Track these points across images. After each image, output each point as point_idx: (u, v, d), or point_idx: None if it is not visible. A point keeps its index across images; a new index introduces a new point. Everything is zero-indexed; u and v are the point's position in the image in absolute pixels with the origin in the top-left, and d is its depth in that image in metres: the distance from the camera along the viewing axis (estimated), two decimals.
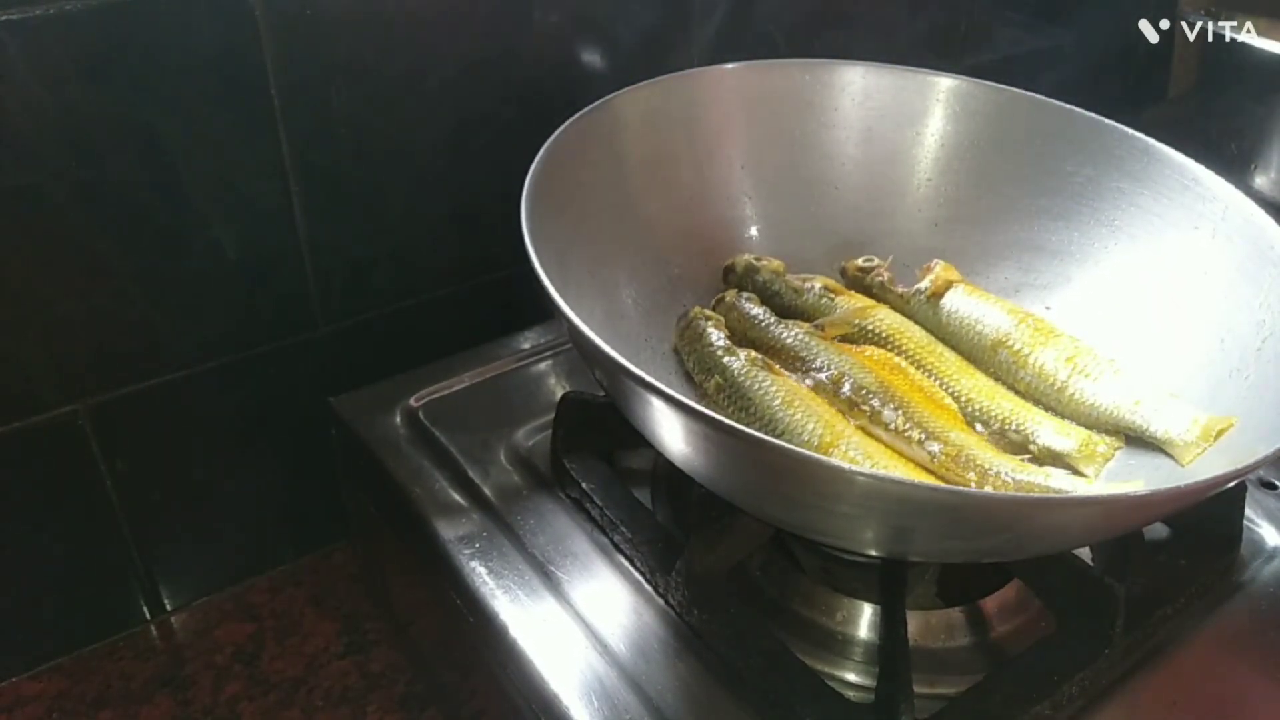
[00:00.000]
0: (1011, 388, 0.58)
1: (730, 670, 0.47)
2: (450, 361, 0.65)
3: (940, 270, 0.62)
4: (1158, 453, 0.53)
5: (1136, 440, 0.54)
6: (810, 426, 0.51)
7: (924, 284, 0.62)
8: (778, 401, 0.52)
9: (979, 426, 0.55)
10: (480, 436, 0.60)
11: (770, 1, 0.75)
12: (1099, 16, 0.99)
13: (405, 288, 0.68)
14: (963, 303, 0.60)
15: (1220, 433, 0.50)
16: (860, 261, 0.65)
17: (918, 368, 0.57)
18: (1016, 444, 0.54)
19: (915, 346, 0.58)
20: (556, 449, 0.57)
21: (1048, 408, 0.56)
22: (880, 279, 0.63)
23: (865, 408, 0.53)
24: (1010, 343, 0.58)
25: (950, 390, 0.56)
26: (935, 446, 0.51)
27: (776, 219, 0.66)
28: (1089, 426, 0.55)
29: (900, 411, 0.52)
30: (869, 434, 0.53)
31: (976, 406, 0.56)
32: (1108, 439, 0.54)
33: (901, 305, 0.62)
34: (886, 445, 0.52)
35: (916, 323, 0.61)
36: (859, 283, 0.64)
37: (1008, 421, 0.54)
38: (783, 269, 0.64)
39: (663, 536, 0.52)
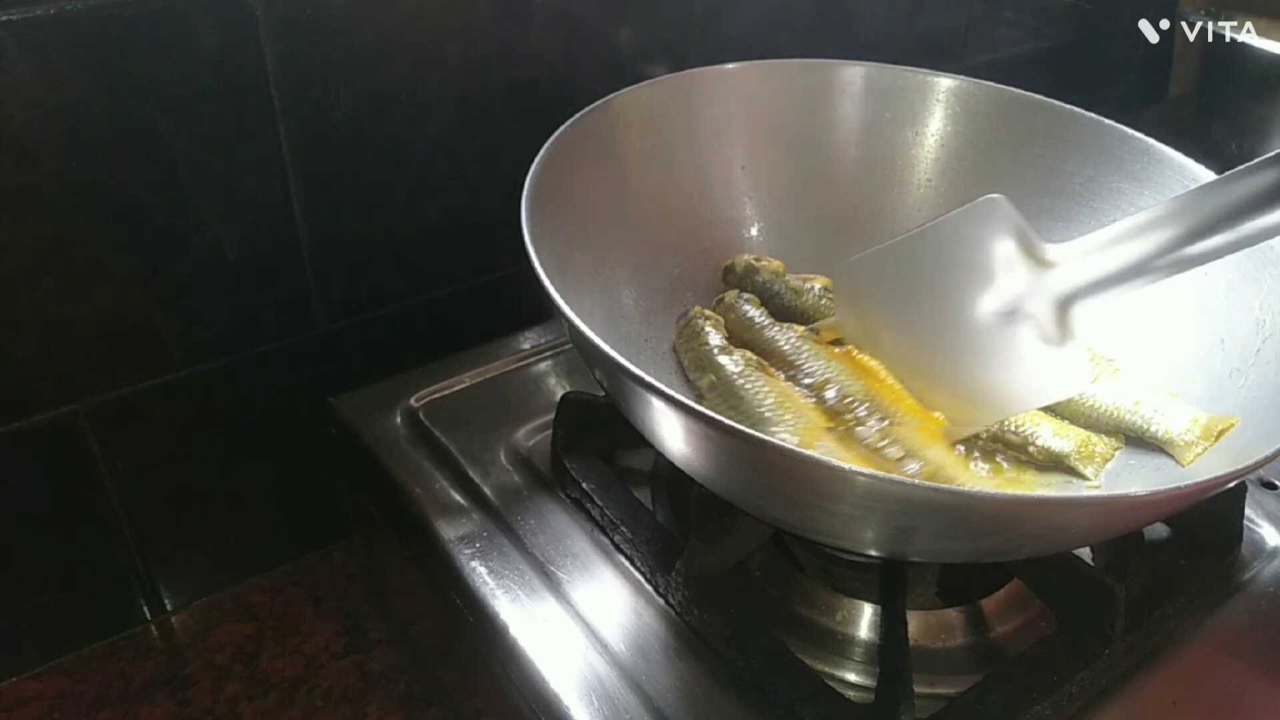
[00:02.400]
0: None
1: (730, 670, 0.47)
2: (450, 361, 0.65)
3: None
4: (1158, 453, 0.53)
5: (1136, 440, 0.54)
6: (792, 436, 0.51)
7: None
8: (770, 401, 0.52)
9: None
10: (480, 436, 0.60)
11: (770, 2, 0.76)
12: (1098, 16, 0.99)
13: (405, 288, 0.68)
14: None
15: (1221, 432, 0.50)
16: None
17: None
18: (1016, 445, 0.54)
19: None
20: (556, 449, 0.57)
21: (1046, 408, 0.56)
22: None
23: (849, 416, 0.53)
24: None
25: None
26: (913, 465, 0.50)
27: (776, 219, 0.66)
28: (1088, 427, 0.55)
29: (883, 423, 0.52)
30: (849, 445, 0.52)
31: None
32: (1106, 439, 0.54)
33: None
34: (865, 458, 0.51)
35: None
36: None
37: (1006, 422, 0.54)
38: (783, 269, 0.64)
39: (663, 536, 0.52)
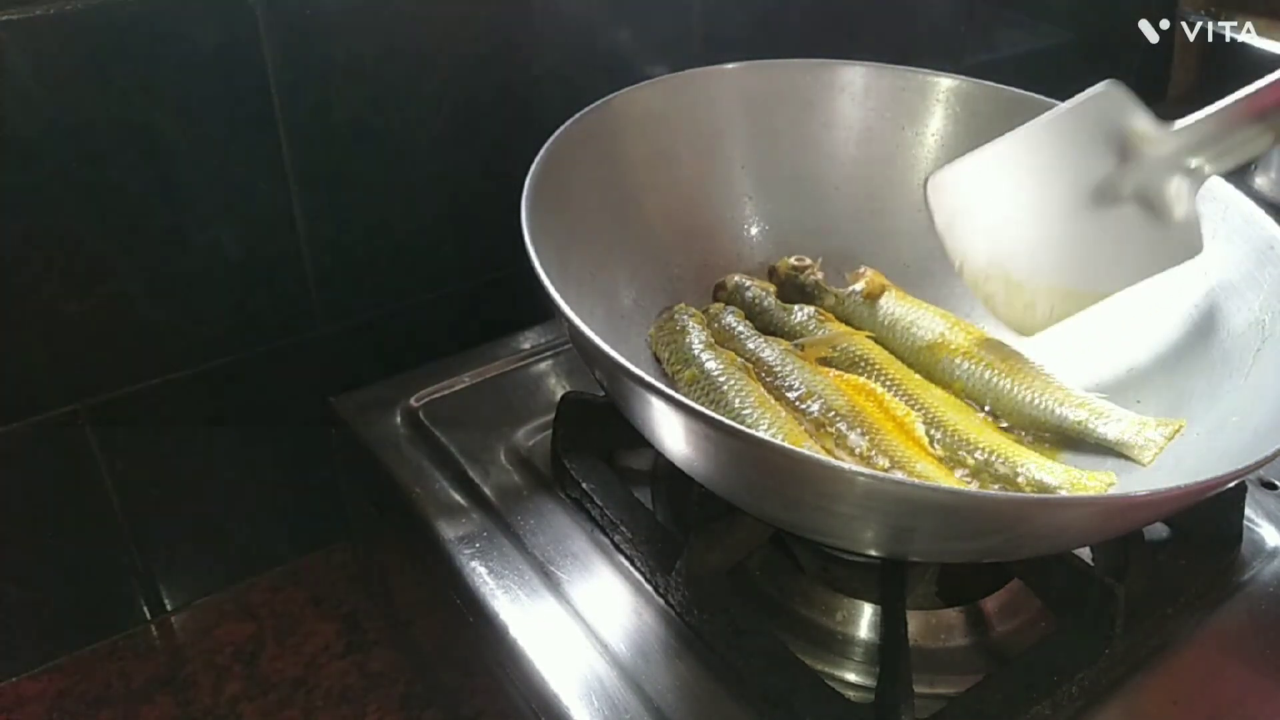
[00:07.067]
0: (948, 388, 0.57)
1: (730, 670, 0.47)
2: (450, 361, 0.65)
3: (872, 275, 0.63)
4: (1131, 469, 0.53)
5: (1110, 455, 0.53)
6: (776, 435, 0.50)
7: (858, 286, 0.63)
8: (752, 400, 0.52)
9: (964, 454, 0.53)
10: (480, 436, 0.60)
11: (771, 1, 0.76)
12: (1099, 16, 0.99)
13: (405, 288, 0.68)
14: (896, 307, 0.61)
15: (1175, 432, 0.50)
16: (792, 260, 0.65)
17: (902, 396, 0.55)
18: (1003, 477, 0.52)
19: (901, 376, 0.57)
20: (556, 449, 0.57)
21: (993, 421, 0.56)
22: (814, 278, 0.64)
23: (832, 430, 0.52)
24: (948, 344, 0.58)
25: (935, 422, 0.54)
26: (900, 477, 0.49)
27: (776, 219, 0.66)
28: (1033, 429, 0.55)
29: (867, 437, 0.51)
30: (833, 452, 0.52)
31: (962, 438, 0.53)
32: (1097, 475, 0.52)
33: (837, 306, 0.63)
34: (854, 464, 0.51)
35: (853, 323, 0.62)
36: (792, 282, 0.64)
37: (994, 453, 0.53)
38: (773, 289, 0.64)
39: (663, 536, 0.52)
